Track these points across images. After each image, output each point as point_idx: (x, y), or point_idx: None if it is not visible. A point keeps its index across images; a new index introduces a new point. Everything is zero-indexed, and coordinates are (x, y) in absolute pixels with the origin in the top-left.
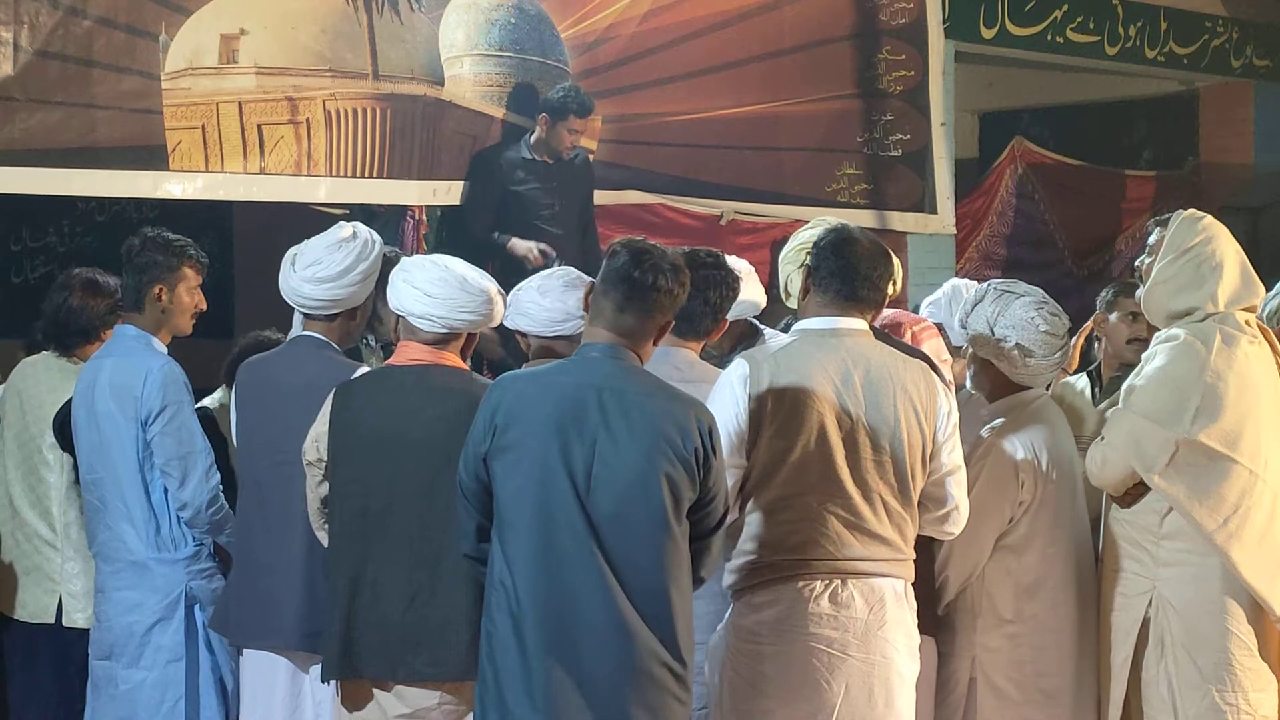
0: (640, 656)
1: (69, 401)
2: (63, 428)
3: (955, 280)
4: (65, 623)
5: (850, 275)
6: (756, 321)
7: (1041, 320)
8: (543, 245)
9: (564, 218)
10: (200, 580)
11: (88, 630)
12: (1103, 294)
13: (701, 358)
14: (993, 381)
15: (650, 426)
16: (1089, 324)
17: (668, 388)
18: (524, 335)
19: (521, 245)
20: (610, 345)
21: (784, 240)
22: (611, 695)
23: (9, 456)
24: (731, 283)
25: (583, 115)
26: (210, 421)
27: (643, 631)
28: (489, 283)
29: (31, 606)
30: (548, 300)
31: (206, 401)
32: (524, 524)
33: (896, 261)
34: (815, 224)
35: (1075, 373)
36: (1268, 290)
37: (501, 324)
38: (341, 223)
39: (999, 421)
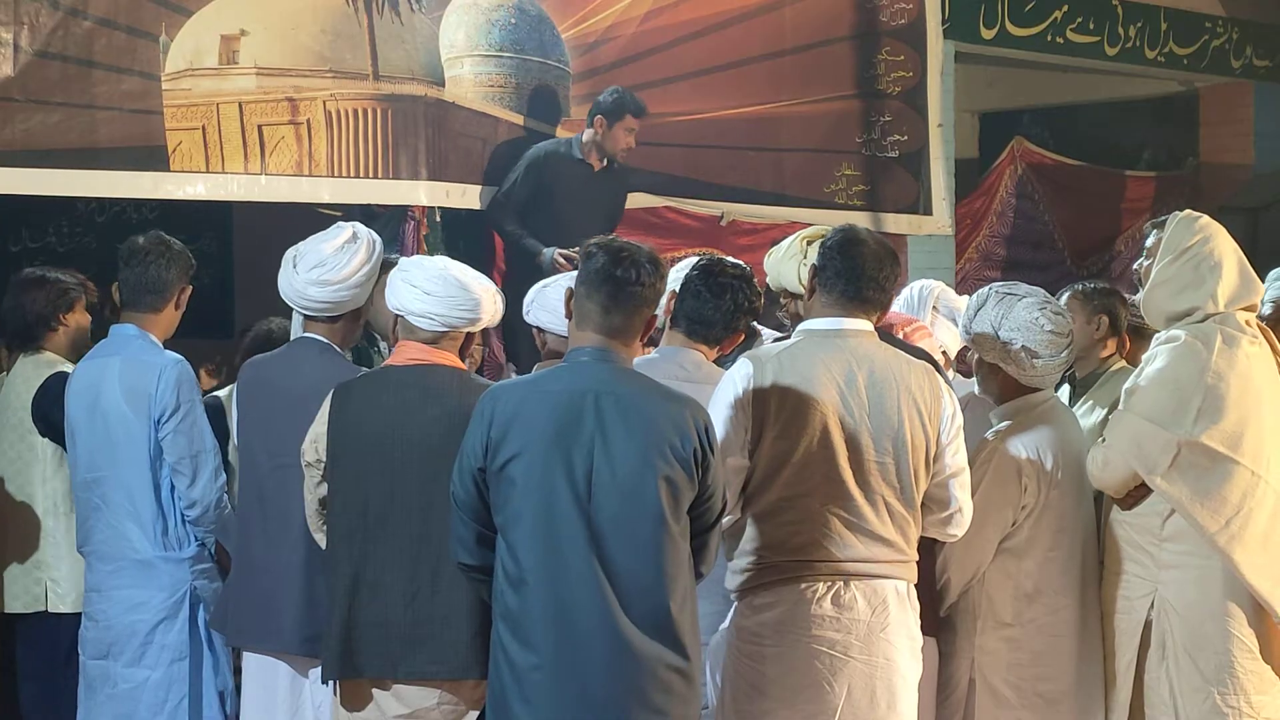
0: (642, 666)
1: (44, 388)
2: (37, 408)
3: (923, 281)
4: (50, 609)
5: (856, 276)
6: (754, 323)
7: (1046, 321)
8: (566, 252)
9: (590, 225)
10: (203, 580)
11: (71, 615)
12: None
13: None
14: (1001, 385)
15: (647, 429)
16: None
17: (662, 388)
18: (541, 332)
19: (548, 253)
20: (600, 348)
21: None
22: (616, 704)
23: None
24: (753, 301)
25: (639, 114)
26: (218, 412)
27: (642, 639)
28: (485, 282)
29: (24, 597)
30: None
31: (219, 393)
32: (525, 535)
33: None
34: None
35: None
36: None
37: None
38: (340, 223)
39: (1005, 424)
